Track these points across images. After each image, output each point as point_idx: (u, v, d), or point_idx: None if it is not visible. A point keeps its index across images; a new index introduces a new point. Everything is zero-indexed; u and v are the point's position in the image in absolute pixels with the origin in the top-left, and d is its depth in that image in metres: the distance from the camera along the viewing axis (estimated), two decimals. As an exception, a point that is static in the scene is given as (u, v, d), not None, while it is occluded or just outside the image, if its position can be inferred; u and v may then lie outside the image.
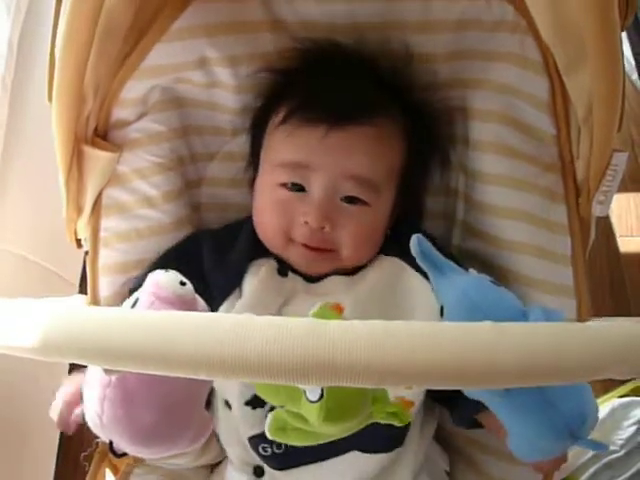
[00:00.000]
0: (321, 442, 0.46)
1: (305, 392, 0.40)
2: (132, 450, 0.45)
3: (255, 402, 0.66)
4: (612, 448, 0.94)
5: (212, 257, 0.72)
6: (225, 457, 0.77)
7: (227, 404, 0.70)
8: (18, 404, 0.83)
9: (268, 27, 0.72)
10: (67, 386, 0.67)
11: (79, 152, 0.66)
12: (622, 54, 0.59)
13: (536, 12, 0.63)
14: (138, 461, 0.69)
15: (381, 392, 0.45)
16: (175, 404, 0.43)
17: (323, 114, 0.67)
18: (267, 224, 0.70)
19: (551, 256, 0.69)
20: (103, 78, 0.66)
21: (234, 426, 0.69)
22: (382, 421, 0.48)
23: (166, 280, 0.44)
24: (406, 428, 0.69)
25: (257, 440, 0.67)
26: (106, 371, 0.38)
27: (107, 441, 0.45)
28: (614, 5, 0.55)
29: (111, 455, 0.53)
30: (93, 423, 0.43)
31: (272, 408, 0.67)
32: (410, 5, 0.70)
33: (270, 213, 0.70)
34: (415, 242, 0.48)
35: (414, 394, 0.67)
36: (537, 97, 0.69)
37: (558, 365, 0.30)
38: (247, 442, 0.69)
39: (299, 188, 0.68)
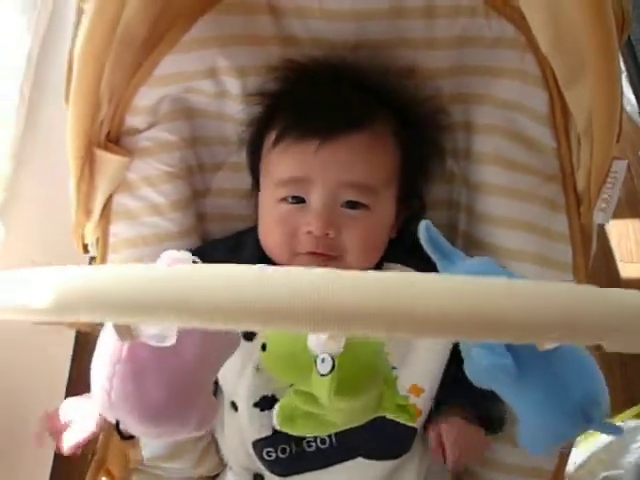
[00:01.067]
0: (330, 431, 0.45)
1: (316, 365, 0.40)
2: (139, 430, 0.44)
3: (264, 404, 0.66)
4: (620, 471, 0.93)
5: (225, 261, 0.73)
6: (223, 468, 0.76)
7: (234, 406, 0.69)
8: (15, 416, 0.82)
9: (278, 42, 0.75)
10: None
11: (91, 155, 0.68)
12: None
13: (535, 25, 0.66)
14: (138, 464, 0.68)
15: (391, 376, 0.45)
16: (184, 381, 0.43)
17: (314, 128, 0.69)
18: (272, 240, 0.72)
19: (552, 264, 0.70)
20: (118, 85, 0.68)
21: (239, 430, 0.69)
22: (391, 415, 0.48)
23: (181, 256, 0.45)
24: (412, 435, 0.68)
25: (262, 444, 0.67)
26: (120, 335, 0.38)
27: (114, 422, 0.45)
28: (612, 19, 0.58)
29: (117, 436, 0.52)
30: (100, 403, 0.43)
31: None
32: (414, 23, 0.73)
33: (274, 229, 0.71)
34: (423, 227, 0.49)
35: (423, 402, 0.67)
36: (537, 111, 0.72)
37: (569, 322, 0.31)
38: (251, 447, 0.68)
39: (299, 200, 0.70)
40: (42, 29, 0.82)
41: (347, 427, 0.47)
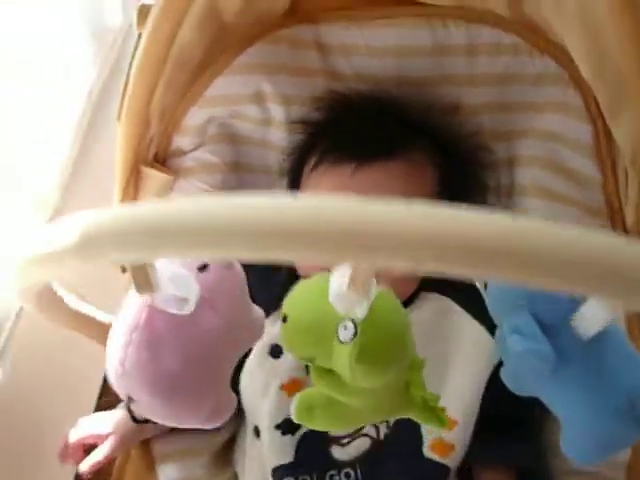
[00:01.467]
0: (350, 427, 0.42)
1: (337, 334, 0.38)
2: (150, 406, 0.42)
3: (285, 427, 0.63)
4: None
5: (257, 279, 0.72)
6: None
7: (256, 432, 0.66)
8: (40, 431, 0.81)
9: (323, 75, 0.77)
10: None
11: (137, 172, 0.71)
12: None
13: (577, 56, 0.66)
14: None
15: (418, 360, 0.41)
16: (200, 353, 0.41)
17: (351, 153, 0.70)
18: (305, 262, 0.71)
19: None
20: (169, 105, 0.71)
21: (259, 457, 0.65)
22: (419, 418, 0.44)
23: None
24: (444, 474, 0.63)
25: (282, 472, 0.63)
26: (139, 287, 0.37)
27: (124, 398, 0.43)
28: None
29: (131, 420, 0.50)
30: (113, 374, 0.41)
31: (303, 436, 0.63)
32: (457, 60, 0.75)
33: None
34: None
35: (456, 436, 0.62)
36: (581, 142, 0.71)
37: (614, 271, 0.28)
38: (270, 476, 0.64)
39: None
40: (109, 65, 0.88)
41: (370, 422, 0.44)
